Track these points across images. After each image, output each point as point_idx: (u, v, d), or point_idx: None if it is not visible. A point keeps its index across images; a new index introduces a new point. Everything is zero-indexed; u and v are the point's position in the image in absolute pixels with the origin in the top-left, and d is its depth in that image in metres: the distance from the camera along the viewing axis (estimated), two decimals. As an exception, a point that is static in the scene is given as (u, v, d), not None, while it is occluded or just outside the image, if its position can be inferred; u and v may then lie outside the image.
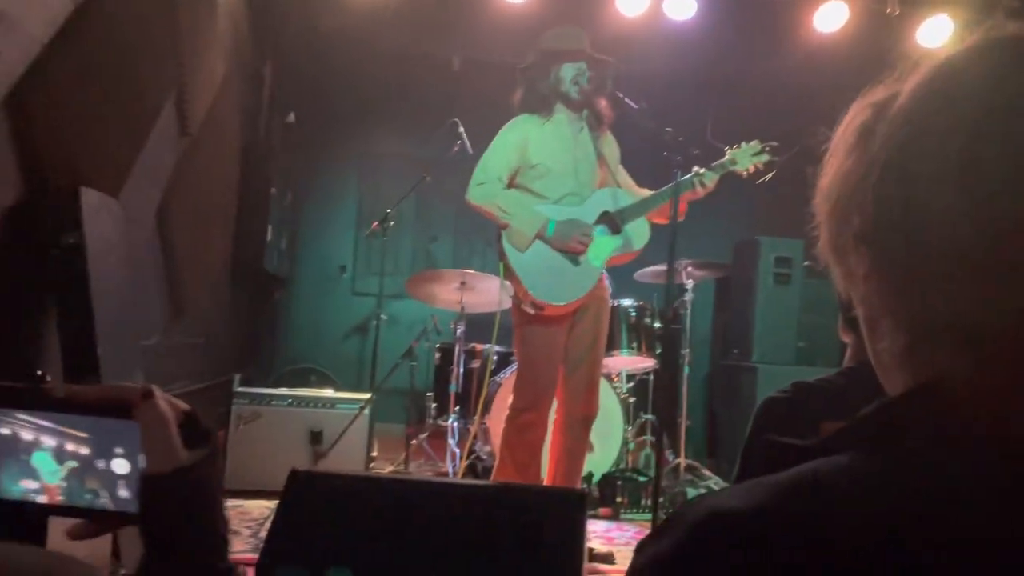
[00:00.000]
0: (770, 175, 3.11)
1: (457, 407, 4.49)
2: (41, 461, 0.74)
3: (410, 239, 6.55)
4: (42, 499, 0.75)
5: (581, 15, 4.85)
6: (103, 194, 2.65)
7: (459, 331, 4.50)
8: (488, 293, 4.48)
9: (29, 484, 0.75)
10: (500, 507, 1.75)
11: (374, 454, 4.31)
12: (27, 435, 0.74)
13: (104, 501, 0.74)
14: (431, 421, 4.77)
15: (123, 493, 0.73)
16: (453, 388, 4.45)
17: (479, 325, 4.96)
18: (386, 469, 4.46)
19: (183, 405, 0.76)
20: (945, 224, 0.49)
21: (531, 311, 3.04)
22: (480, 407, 4.04)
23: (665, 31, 5.10)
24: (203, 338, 4.67)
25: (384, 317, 4.77)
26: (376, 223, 4.64)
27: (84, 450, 0.73)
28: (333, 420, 3.96)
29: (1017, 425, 0.48)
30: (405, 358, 4.44)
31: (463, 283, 4.37)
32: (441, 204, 6.37)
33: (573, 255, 3.04)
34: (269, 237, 5.41)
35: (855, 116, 0.59)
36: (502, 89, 3.78)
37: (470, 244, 6.65)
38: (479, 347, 4.68)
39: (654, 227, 3.21)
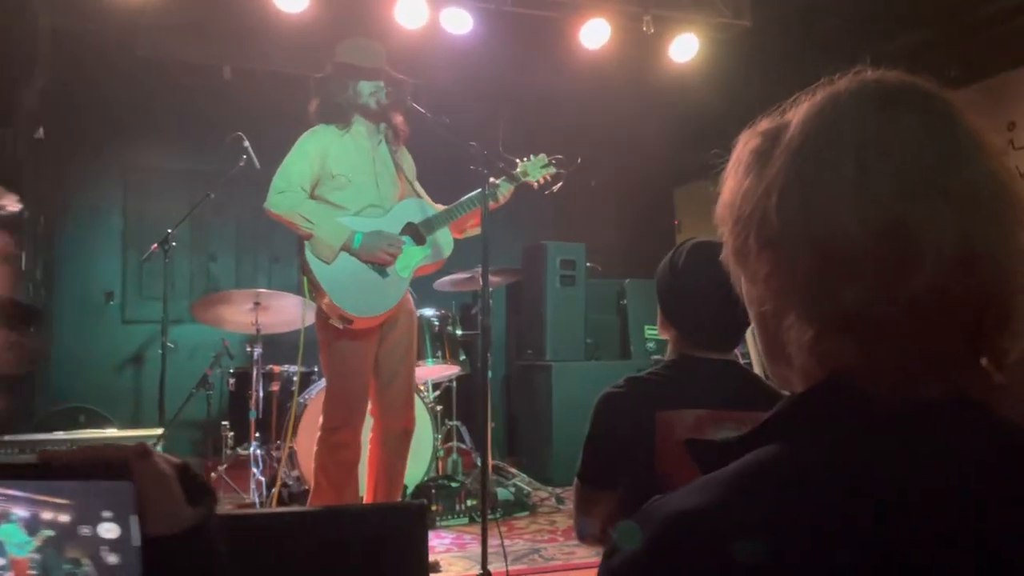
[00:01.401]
0: (557, 186, 3.31)
1: (257, 434, 4.30)
2: (8, 533, 0.66)
3: (187, 260, 6.13)
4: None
5: (360, 25, 4.83)
6: None
7: (255, 354, 4.30)
8: (283, 312, 4.33)
9: None
10: (342, 528, 1.73)
11: (169, 493, 4.01)
12: None
13: (86, 570, 0.66)
14: (230, 451, 4.51)
15: (111, 559, 0.67)
16: (253, 414, 4.24)
17: (275, 346, 4.77)
18: (183, 507, 4.17)
19: (178, 460, 0.71)
20: (841, 231, 0.59)
21: (340, 325, 2.99)
22: (289, 431, 3.90)
23: (446, 45, 5.20)
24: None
25: (171, 345, 4.45)
26: (155, 245, 4.32)
27: (64, 517, 0.66)
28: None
29: (905, 396, 0.58)
30: (199, 387, 4.17)
31: (256, 303, 4.20)
32: (220, 221, 6.04)
33: (381, 266, 3.04)
34: (22, 266, 4.84)
35: (747, 142, 0.69)
36: (279, 99, 3.68)
37: (254, 262, 6.36)
38: (277, 369, 4.50)
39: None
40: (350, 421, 3.06)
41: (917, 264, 0.57)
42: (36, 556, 0.67)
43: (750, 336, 4.01)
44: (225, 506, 4.25)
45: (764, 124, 0.69)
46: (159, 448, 3.69)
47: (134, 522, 0.66)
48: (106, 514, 0.67)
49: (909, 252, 0.57)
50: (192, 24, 5.23)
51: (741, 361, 1.72)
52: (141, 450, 0.69)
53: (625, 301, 5.74)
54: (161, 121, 6.01)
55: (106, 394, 5.67)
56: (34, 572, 0.68)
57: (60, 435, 3.71)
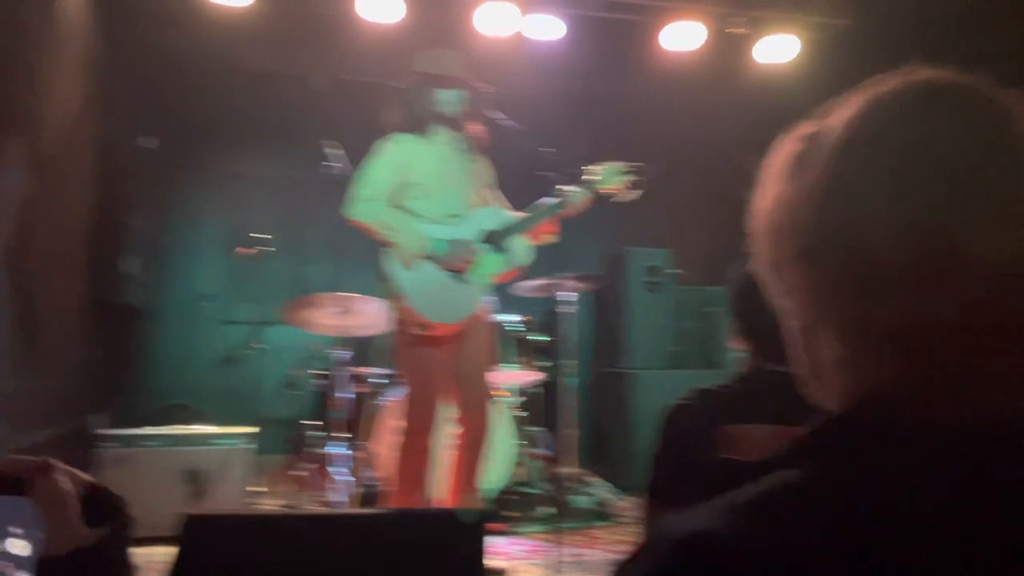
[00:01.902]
0: (634, 195, 3.24)
1: (342, 434, 4.40)
2: None
3: (282, 264, 6.35)
4: None
5: (447, 35, 4.90)
6: (-52, 232, 2.43)
7: (341, 356, 4.40)
8: (369, 316, 4.42)
9: None
10: (401, 534, 1.74)
11: (257, 488, 4.15)
12: None
13: None
14: (316, 451, 4.63)
15: None
16: (336, 415, 4.34)
17: (360, 349, 4.87)
18: (271, 503, 4.30)
19: (86, 478, 0.70)
20: (881, 242, 0.55)
21: (418, 331, 3.03)
22: (368, 433, 3.98)
23: (530, 52, 5.22)
24: (60, 380, 4.35)
25: (262, 346, 4.60)
26: (247, 248, 4.49)
27: None
28: (212, 457, 3.79)
29: (949, 421, 0.53)
30: (286, 387, 4.30)
31: (343, 307, 4.29)
32: (315, 226, 6.22)
33: (459, 274, 3.06)
34: (130, 268, 5.11)
35: (787, 146, 0.65)
36: (370, 109, 3.75)
37: (346, 267, 6.52)
38: (362, 371, 4.60)
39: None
40: (426, 425, 3.09)
41: (960, 278, 0.53)
42: None
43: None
44: (307, 504, 4.37)
45: (803, 127, 0.65)
46: (253, 445, 3.83)
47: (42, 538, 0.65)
48: (16, 530, 0.66)
49: (951, 265, 0.53)
50: (291, 36, 5.41)
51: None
52: (42, 465, 0.67)
53: (713, 309, 5.60)
54: (260, 130, 6.25)
55: (205, 391, 5.93)
56: None
57: (158, 430, 3.90)
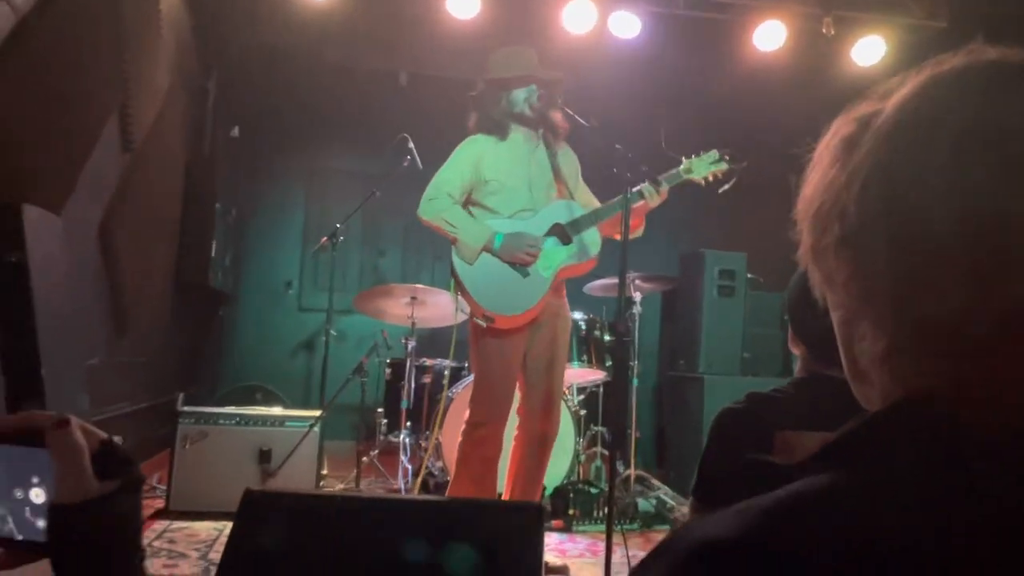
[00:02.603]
0: (729, 184, 3.17)
1: (408, 423, 4.47)
2: None
3: (358, 254, 6.50)
4: None
5: (528, 32, 4.92)
6: (45, 211, 2.58)
7: (410, 346, 4.48)
8: (438, 308, 4.48)
9: None
10: (457, 523, 1.76)
11: (324, 472, 4.26)
12: None
13: (11, 528, 0.72)
14: (382, 437, 4.73)
15: (39, 523, 0.71)
16: (404, 404, 4.42)
17: (429, 340, 4.96)
18: (336, 487, 4.41)
19: (101, 434, 0.74)
20: (929, 229, 0.51)
21: (483, 324, 3.06)
22: (436, 423, 4.04)
23: (612, 48, 5.19)
24: (146, 356, 4.56)
25: (333, 333, 4.72)
26: (325, 238, 4.61)
27: None
28: (282, 438, 3.90)
29: (1003, 431, 0.49)
30: (355, 374, 4.40)
31: (413, 298, 4.36)
32: (389, 219, 6.35)
33: (522, 266, 3.07)
34: (213, 253, 5.32)
35: (839, 129, 0.61)
36: (449, 105, 3.80)
37: (418, 259, 6.64)
38: (430, 362, 4.67)
39: (605, 241, 3.26)
40: (493, 418, 3.11)
41: (1016, 272, 0.49)
42: None
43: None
44: (374, 490, 4.47)
45: (861, 108, 0.61)
46: (316, 429, 3.93)
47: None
48: (35, 479, 0.71)
49: (1007, 257, 0.49)
50: (374, 33, 5.52)
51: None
52: (58, 420, 0.71)
53: (787, 316, 5.46)
54: (342, 124, 6.41)
55: (281, 375, 6.13)
56: None
57: (233, 409, 4.05)
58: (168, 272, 4.96)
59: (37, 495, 0.71)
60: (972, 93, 0.54)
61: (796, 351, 1.57)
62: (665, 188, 3.05)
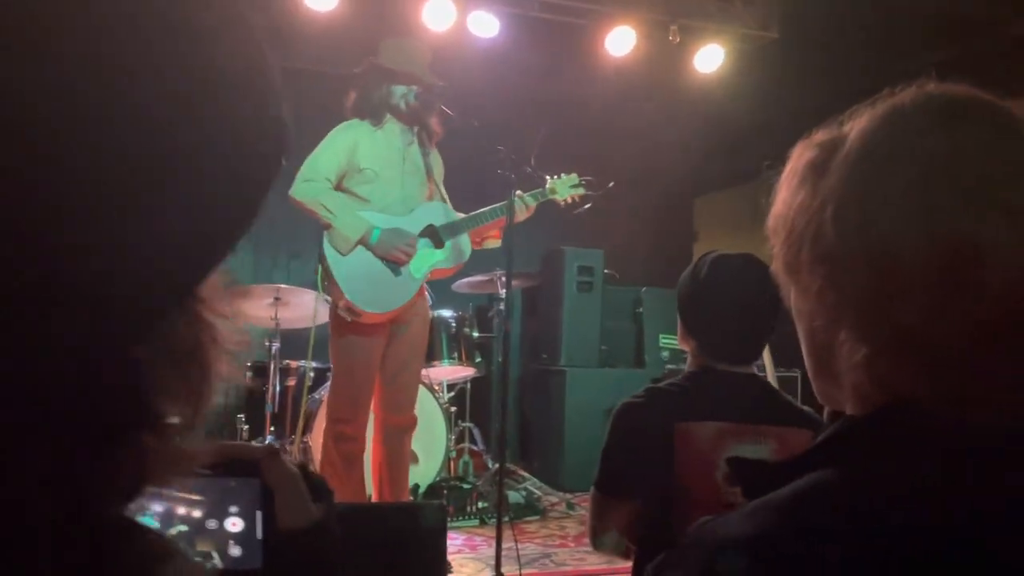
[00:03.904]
0: (585, 207, 3.33)
1: (273, 428, 4.33)
2: None
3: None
4: None
5: (388, 25, 4.86)
6: None
7: (273, 348, 4.34)
8: (302, 308, 4.36)
9: None
10: (363, 526, 1.75)
11: (184, 483, 4.05)
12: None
13: (216, 563, 0.71)
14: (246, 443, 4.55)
15: (234, 552, 0.71)
16: (269, 408, 4.28)
17: (292, 342, 4.80)
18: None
19: (297, 462, 0.76)
20: (900, 248, 0.57)
21: (347, 317, 3.02)
22: (300, 426, 3.93)
23: (472, 48, 5.23)
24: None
25: (190, 337, 4.48)
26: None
27: (196, 513, 0.70)
28: (137, 450, 3.67)
29: (978, 424, 0.55)
30: (217, 379, 4.20)
31: (277, 298, 4.23)
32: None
33: (395, 264, 3.06)
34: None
35: (802, 154, 0.67)
36: (307, 97, 3.70)
37: (273, 257, 6.41)
38: (294, 364, 4.54)
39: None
40: (354, 414, 3.10)
41: (980, 288, 0.55)
42: None
43: (767, 351, 4.01)
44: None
45: (820, 136, 0.67)
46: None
47: (259, 517, 0.71)
48: (233, 509, 0.71)
49: (972, 275, 0.55)
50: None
51: (758, 374, 1.73)
52: (271, 450, 0.73)
53: (641, 309, 5.74)
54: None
55: (123, 383, 5.73)
56: None
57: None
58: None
59: (234, 524, 0.71)
60: (932, 124, 0.61)
61: (686, 347, 1.67)
62: (533, 204, 3.17)
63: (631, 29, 5.34)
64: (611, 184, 3.30)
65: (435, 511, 1.58)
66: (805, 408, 1.58)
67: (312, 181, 3.02)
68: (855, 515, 0.53)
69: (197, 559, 0.71)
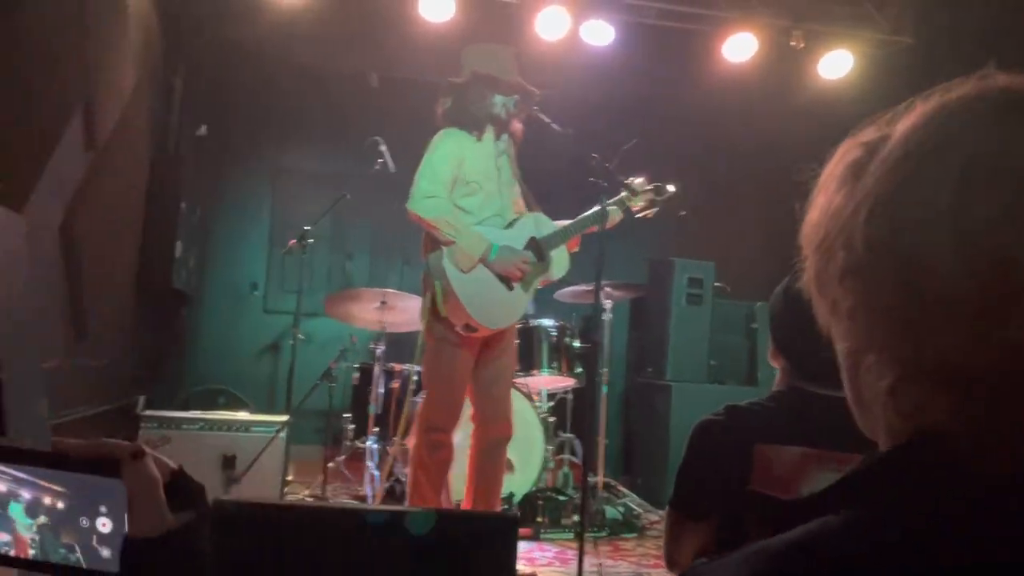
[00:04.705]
0: (651, 213, 3.22)
1: (376, 428, 4.43)
2: (16, 512, 0.70)
3: (325, 256, 6.43)
4: (12, 552, 0.71)
5: (501, 35, 4.90)
6: (7, 209, 2.50)
7: (379, 351, 4.44)
8: (407, 312, 4.44)
9: (2, 536, 0.71)
10: (432, 534, 1.73)
11: (289, 478, 4.19)
12: (2, 486, 0.70)
13: (77, 557, 0.70)
14: (348, 443, 4.67)
15: (104, 553, 0.69)
16: (372, 409, 4.38)
17: (398, 345, 4.90)
18: (302, 493, 4.35)
19: (172, 464, 0.73)
20: (935, 264, 0.49)
21: (463, 333, 3.03)
22: (401, 428, 4.00)
23: (583, 55, 5.20)
24: (106, 359, 4.45)
25: (301, 336, 4.66)
26: (294, 240, 4.55)
27: (60, 504, 0.69)
28: (247, 444, 3.83)
29: (1011, 470, 0.47)
30: (324, 379, 4.34)
31: (383, 302, 4.32)
32: (358, 221, 6.29)
33: (507, 280, 3.06)
34: (178, 253, 5.21)
35: (845, 154, 0.60)
36: (420, 107, 3.77)
37: (387, 262, 6.58)
38: (398, 367, 4.62)
39: (573, 252, 3.29)
40: (447, 423, 3.13)
41: (1018, 316, 0.47)
42: (35, 537, 0.70)
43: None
44: (337, 496, 4.41)
45: (867, 133, 0.59)
46: (282, 435, 3.87)
47: (126, 520, 0.68)
48: (103, 509, 0.69)
49: (1010, 300, 0.47)
50: (345, 33, 5.47)
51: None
52: (135, 451, 0.69)
53: (755, 325, 5.52)
54: (310, 125, 6.34)
55: (245, 378, 6.03)
56: (33, 552, 0.70)
57: (197, 414, 3.97)
58: (130, 273, 4.85)
59: (104, 524, 0.69)
60: (978, 125, 0.53)
61: (776, 364, 1.57)
62: (620, 213, 3.12)
63: (751, 35, 5.17)
64: (672, 189, 3.17)
65: (506, 522, 1.54)
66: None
67: (435, 198, 3.00)
68: (855, 565, 0.47)
69: (61, 550, 0.69)
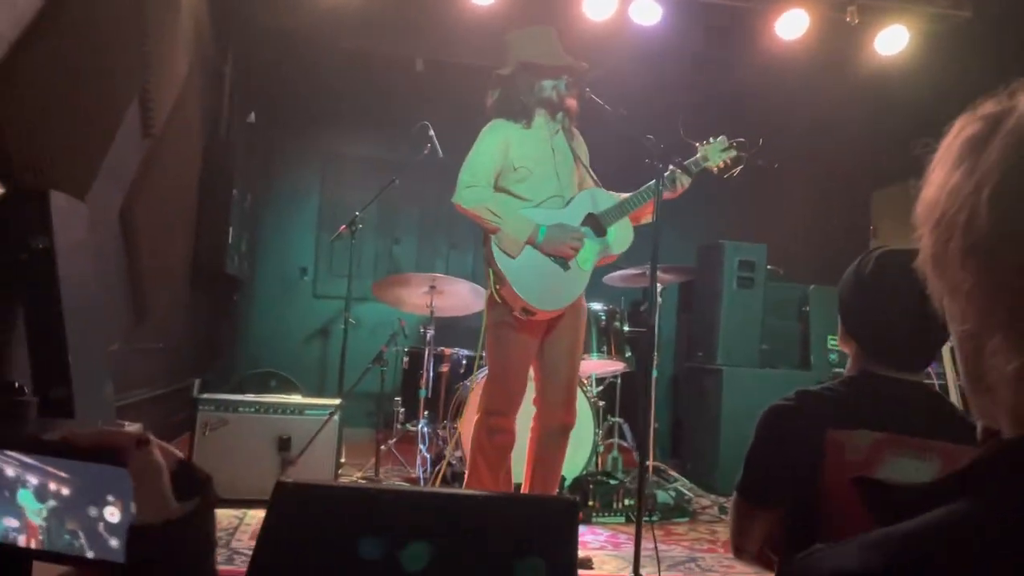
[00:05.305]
0: (737, 169, 3.12)
1: (426, 412, 4.46)
2: (26, 499, 0.70)
3: (373, 241, 6.48)
4: (22, 539, 0.71)
5: (547, 18, 4.86)
6: (71, 196, 2.56)
7: (428, 335, 4.46)
8: (456, 297, 4.46)
9: (11, 523, 0.71)
10: (491, 517, 1.74)
11: (343, 460, 4.25)
12: (11, 472, 0.70)
13: (82, 544, 0.70)
14: (399, 426, 4.72)
15: (112, 542, 0.69)
16: (423, 393, 4.41)
17: (448, 329, 4.93)
18: (355, 475, 4.41)
19: (178, 453, 0.73)
20: None
21: (522, 317, 3.02)
22: (451, 412, 4.02)
23: (631, 35, 5.13)
24: (164, 342, 4.55)
25: (353, 321, 4.70)
26: (344, 226, 4.58)
27: (65, 491, 0.70)
28: (301, 426, 3.89)
29: None
30: (375, 362, 4.38)
31: (432, 287, 4.34)
32: (405, 206, 6.32)
33: (563, 259, 3.03)
34: (230, 239, 5.30)
35: (963, 128, 0.58)
36: (467, 91, 3.76)
37: (433, 247, 6.62)
38: (448, 351, 4.65)
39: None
40: (508, 407, 3.10)
41: None
42: (44, 524, 0.70)
43: (948, 355, 3.65)
44: (392, 479, 4.46)
45: (986, 107, 0.58)
46: (336, 417, 3.92)
47: (133, 509, 0.68)
48: (110, 497, 0.69)
49: None
50: (391, 18, 5.47)
51: (935, 383, 1.55)
52: (140, 438, 0.69)
53: (808, 308, 5.42)
54: (358, 111, 6.38)
55: (296, 362, 6.12)
56: (42, 538, 0.70)
57: (253, 397, 4.04)
58: (185, 258, 4.95)
59: (112, 513, 0.69)
60: None
61: (846, 349, 1.53)
62: (688, 182, 3.01)
63: (804, 11, 5.05)
64: (760, 142, 3.07)
65: (567, 506, 1.54)
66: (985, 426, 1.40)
67: (474, 187, 3.02)
68: (983, 554, 0.45)
69: (66, 537, 0.69)
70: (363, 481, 4.30)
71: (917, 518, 0.48)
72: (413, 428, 4.52)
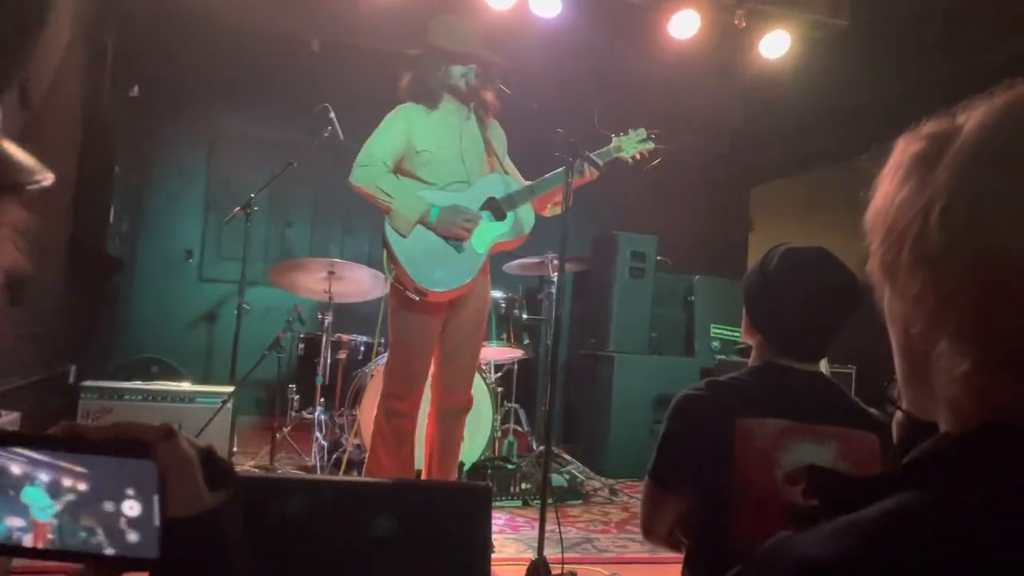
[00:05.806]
0: (654, 163, 3.22)
1: (323, 399, 4.40)
2: (32, 496, 0.68)
3: (264, 225, 6.29)
4: (27, 539, 0.68)
5: (449, 5, 4.84)
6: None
7: (326, 321, 4.40)
8: (355, 282, 4.41)
9: (16, 522, 0.68)
10: (405, 505, 1.76)
11: (235, 449, 4.14)
12: (17, 469, 0.67)
13: (99, 540, 0.67)
14: (294, 414, 4.64)
15: (132, 538, 0.67)
16: (320, 380, 4.35)
17: (345, 315, 4.87)
18: (247, 464, 4.30)
19: (201, 443, 0.72)
20: (1013, 252, 0.52)
21: (415, 298, 3.02)
22: (348, 398, 3.98)
23: (533, 27, 5.19)
24: (38, 327, 4.28)
25: (247, 306, 4.57)
26: (239, 207, 4.44)
27: (82, 486, 0.67)
28: (192, 414, 3.76)
29: None
30: (272, 349, 4.28)
31: (331, 272, 4.28)
32: (298, 189, 6.17)
33: (457, 241, 3.05)
34: (111, 219, 5.03)
35: (908, 145, 0.62)
36: (366, 76, 3.71)
37: (328, 231, 6.49)
38: (346, 338, 4.60)
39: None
40: (409, 391, 3.11)
41: None
42: (55, 522, 0.68)
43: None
44: (287, 468, 4.38)
45: (930, 127, 0.62)
46: (229, 406, 3.81)
47: (156, 502, 0.67)
48: (129, 491, 0.67)
49: None
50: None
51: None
52: (166, 431, 0.69)
53: (693, 297, 5.67)
54: (248, 89, 6.15)
55: (179, 348, 5.88)
56: (51, 537, 0.68)
57: (140, 385, 3.87)
58: (62, 238, 4.66)
59: (131, 507, 0.67)
60: None
61: (750, 341, 1.63)
62: (600, 165, 3.08)
63: (695, 12, 5.24)
64: (669, 147, 3.20)
65: (480, 492, 1.58)
66: (872, 410, 1.53)
67: (368, 167, 3.04)
68: (949, 545, 0.49)
69: (81, 534, 0.68)
70: (256, 470, 4.20)
71: (873, 507, 0.53)
72: (309, 415, 4.45)
